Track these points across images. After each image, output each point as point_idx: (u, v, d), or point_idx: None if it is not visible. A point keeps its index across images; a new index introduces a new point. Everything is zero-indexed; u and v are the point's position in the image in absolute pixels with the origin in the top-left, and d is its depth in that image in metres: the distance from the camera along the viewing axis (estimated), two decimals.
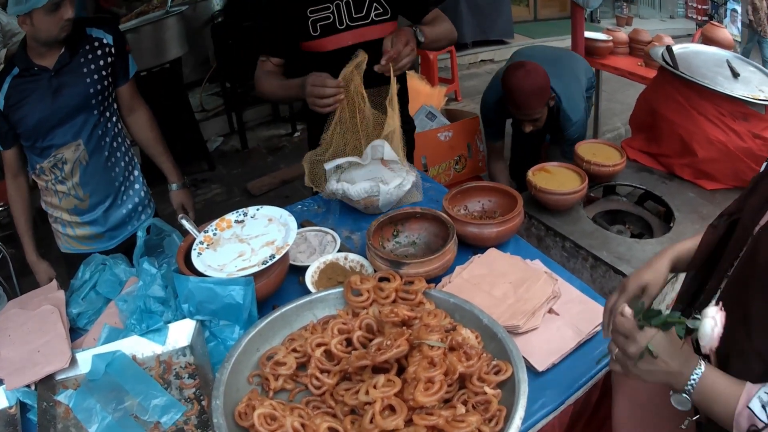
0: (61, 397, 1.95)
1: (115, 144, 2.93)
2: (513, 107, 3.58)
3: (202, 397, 1.90)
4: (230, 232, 2.30)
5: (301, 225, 2.57)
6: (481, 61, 9.70)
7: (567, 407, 1.89)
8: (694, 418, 1.56)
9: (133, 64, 2.96)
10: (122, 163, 2.99)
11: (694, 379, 1.42)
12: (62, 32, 2.59)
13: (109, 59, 2.79)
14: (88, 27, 2.76)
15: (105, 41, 2.78)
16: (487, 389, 1.61)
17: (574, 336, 1.96)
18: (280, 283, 2.24)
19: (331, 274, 2.32)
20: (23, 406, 1.97)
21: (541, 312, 2.00)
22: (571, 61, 4.11)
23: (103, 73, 2.78)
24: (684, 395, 1.45)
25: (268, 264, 2.09)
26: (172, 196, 3.23)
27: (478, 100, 6.56)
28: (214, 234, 2.29)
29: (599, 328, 2.00)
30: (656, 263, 1.75)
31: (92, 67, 2.74)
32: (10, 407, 1.97)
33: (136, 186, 3.10)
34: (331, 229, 2.62)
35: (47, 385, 1.99)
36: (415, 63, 7.17)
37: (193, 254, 2.19)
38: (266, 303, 2.21)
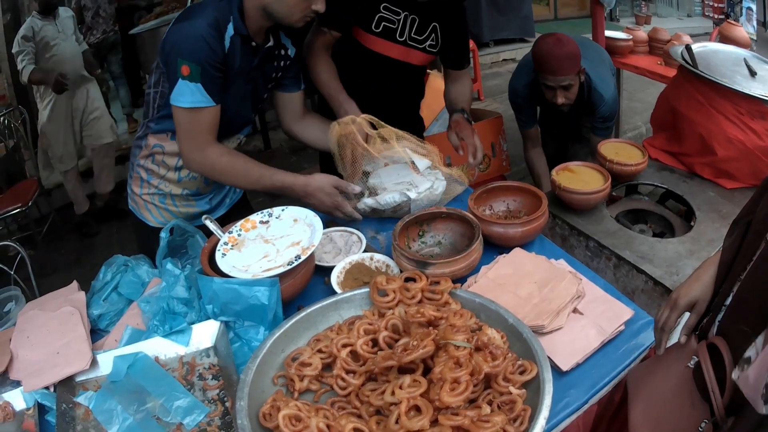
0: (81, 399, 1.94)
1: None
2: (546, 72, 3.54)
3: (225, 399, 1.90)
4: (255, 233, 2.30)
5: (326, 225, 2.54)
6: (503, 60, 9.67)
7: (591, 407, 1.88)
8: (712, 419, 1.57)
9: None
10: None
11: None
12: (299, 21, 2.36)
13: (284, 70, 2.68)
14: (282, 31, 2.57)
15: (289, 52, 2.65)
16: (512, 389, 1.61)
17: (597, 335, 1.96)
18: (305, 283, 2.23)
19: (357, 275, 2.31)
20: (41, 408, 1.96)
21: (565, 312, 2.00)
22: (594, 46, 4.15)
23: (275, 83, 2.70)
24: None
25: (293, 265, 2.09)
26: None
27: (500, 100, 6.50)
28: (239, 235, 2.29)
29: (623, 327, 2.00)
30: (703, 276, 1.74)
31: (273, 75, 2.63)
32: (28, 409, 1.97)
33: None
34: (357, 229, 2.62)
35: (67, 386, 1.98)
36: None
37: (218, 255, 2.19)
38: (291, 304, 2.20)
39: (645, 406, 1.82)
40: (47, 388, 1.98)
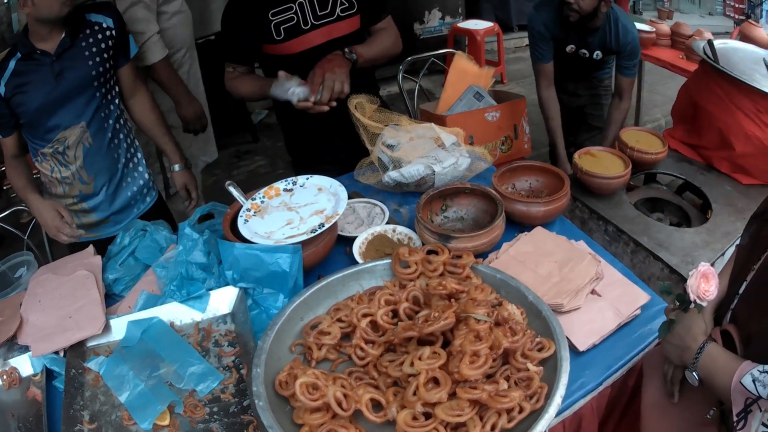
0: (92, 364, 1.93)
1: (117, 126, 2.89)
2: None
3: (241, 366, 1.90)
4: (278, 200, 2.31)
5: (349, 196, 2.52)
6: (526, 45, 9.59)
7: (604, 389, 1.90)
8: (720, 407, 1.61)
9: (134, 45, 2.93)
10: (124, 145, 2.96)
11: (699, 354, 1.56)
12: (64, 8, 2.52)
13: (110, 42, 2.75)
14: (88, 13, 2.73)
15: (105, 25, 2.74)
16: (530, 366, 1.61)
17: (614, 318, 1.97)
18: (327, 252, 2.24)
19: (379, 246, 2.32)
20: (49, 374, 1.95)
21: (584, 292, 2.00)
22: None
23: (105, 55, 2.74)
24: (692, 372, 1.58)
25: (317, 232, 2.09)
26: (175, 177, 3.17)
27: (524, 84, 6.40)
28: (262, 202, 2.30)
29: (639, 311, 2.02)
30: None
31: (93, 50, 2.70)
32: (35, 375, 1.96)
33: (140, 168, 3.07)
34: (380, 201, 2.62)
35: (77, 351, 1.98)
36: (462, 43, 7.16)
37: (240, 221, 2.19)
38: (312, 273, 2.21)
39: (657, 390, 1.83)
40: (57, 353, 1.97)
